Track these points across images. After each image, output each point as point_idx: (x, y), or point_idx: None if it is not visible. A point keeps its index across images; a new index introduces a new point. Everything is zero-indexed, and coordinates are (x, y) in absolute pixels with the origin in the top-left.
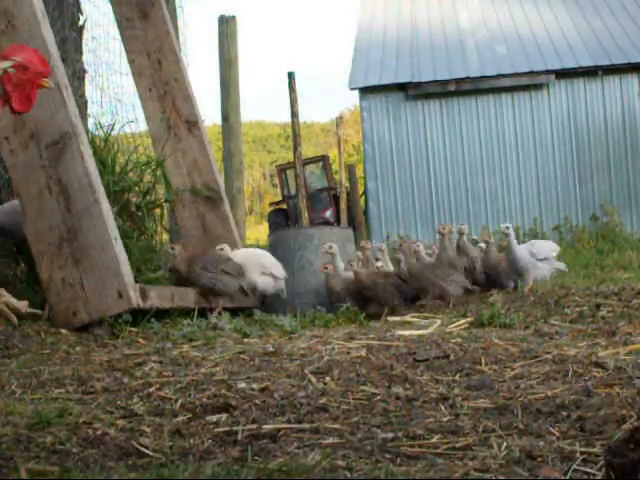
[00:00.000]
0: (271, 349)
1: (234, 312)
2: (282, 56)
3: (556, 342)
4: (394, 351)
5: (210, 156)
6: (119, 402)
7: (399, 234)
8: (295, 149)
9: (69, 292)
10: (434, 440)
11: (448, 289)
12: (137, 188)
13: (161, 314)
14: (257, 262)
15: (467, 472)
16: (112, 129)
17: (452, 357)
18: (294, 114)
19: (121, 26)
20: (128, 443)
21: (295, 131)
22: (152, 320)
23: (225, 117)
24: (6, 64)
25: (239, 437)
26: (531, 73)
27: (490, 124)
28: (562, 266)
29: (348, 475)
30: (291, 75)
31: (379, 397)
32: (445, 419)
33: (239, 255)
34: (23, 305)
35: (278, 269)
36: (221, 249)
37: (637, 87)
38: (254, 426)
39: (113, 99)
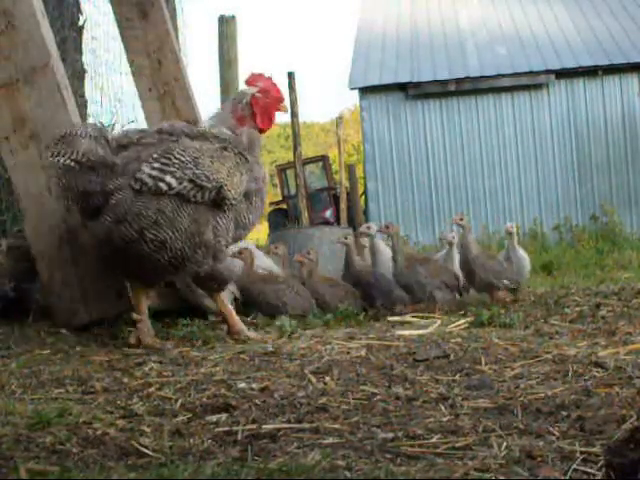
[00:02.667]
0: (271, 349)
1: None
2: (282, 56)
3: (556, 342)
4: (394, 351)
5: None
6: (119, 402)
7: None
8: (295, 149)
9: (69, 292)
10: (434, 440)
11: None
12: None
13: (161, 314)
14: None
15: (467, 472)
16: (112, 129)
17: (452, 357)
18: (294, 114)
19: (121, 26)
20: (128, 443)
21: (295, 131)
22: (152, 320)
23: None
24: (252, 89)
25: (239, 437)
26: (531, 73)
27: (490, 124)
28: None
29: (348, 475)
30: (291, 75)
31: (379, 397)
32: (445, 419)
33: None
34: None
35: None
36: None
37: (637, 87)
38: (254, 426)
39: (113, 99)
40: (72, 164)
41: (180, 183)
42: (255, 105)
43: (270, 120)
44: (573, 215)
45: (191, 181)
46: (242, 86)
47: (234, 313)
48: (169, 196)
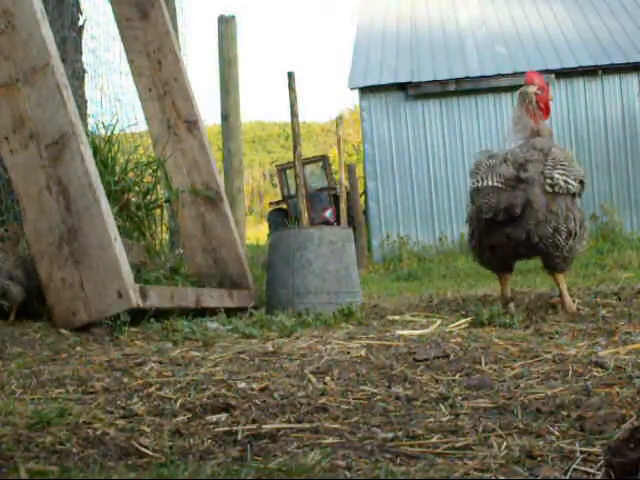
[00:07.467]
0: (271, 349)
1: (233, 311)
2: (282, 56)
3: (556, 342)
4: (394, 351)
5: (210, 156)
6: (119, 402)
7: (399, 234)
8: (295, 149)
9: (69, 292)
10: (434, 440)
11: None
12: (137, 188)
13: (161, 314)
14: None
15: (467, 472)
16: (113, 129)
17: (452, 357)
18: (294, 114)
19: (121, 26)
20: (128, 443)
21: (295, 131)
22: (152, 320)
23: (225, 117)
24: (533, 87)
25: (239, 437)
26: None
27: (490, 124)
28: None
29: (348, 475)
30: (291, 75)
31: (379, 397)
32: (445, 419)
33: None
34: None
35: None
36: None
37: (637, 87)
38: (254, 426)
39: (113, 99)
40: (499, 185)
41: (575, 183)
42: (540, 101)
43: (548, 111)
44: None
45: (580, 181)
46: (242, 86)
47: (567, 292)
48: (567, 194)
